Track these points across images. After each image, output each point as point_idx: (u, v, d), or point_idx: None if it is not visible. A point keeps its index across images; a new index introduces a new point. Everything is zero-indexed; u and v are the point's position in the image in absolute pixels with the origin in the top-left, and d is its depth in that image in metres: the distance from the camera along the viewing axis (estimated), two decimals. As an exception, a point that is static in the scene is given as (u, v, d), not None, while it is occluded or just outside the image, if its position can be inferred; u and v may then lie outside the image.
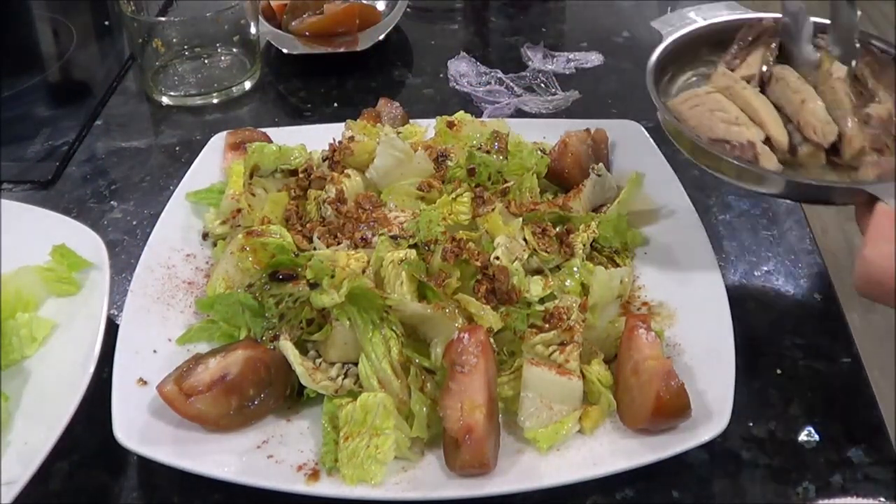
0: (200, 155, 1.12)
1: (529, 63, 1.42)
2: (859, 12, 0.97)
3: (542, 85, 1.37)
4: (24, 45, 1.54)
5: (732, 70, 1.01)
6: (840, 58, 0.98)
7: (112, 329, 0.89)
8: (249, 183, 1.05)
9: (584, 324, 0.87)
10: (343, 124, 1.14)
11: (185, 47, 1.37)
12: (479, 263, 0.89)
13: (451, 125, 1.11)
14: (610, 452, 0.80)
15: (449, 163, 1.03)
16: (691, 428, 0.80)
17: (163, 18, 1.37)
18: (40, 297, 0.95)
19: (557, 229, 0.97)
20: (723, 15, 1.07)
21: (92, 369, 0.84)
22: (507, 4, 1.60)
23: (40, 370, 0.89)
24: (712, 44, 1.05)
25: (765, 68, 1.00)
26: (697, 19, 1.06)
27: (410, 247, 0.92)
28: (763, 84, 1.00)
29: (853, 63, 0.98)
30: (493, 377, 0.82)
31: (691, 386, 0.81)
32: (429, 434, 0.81)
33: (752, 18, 1.04)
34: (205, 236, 1.03)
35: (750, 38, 1.03)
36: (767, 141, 0.93)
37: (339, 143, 1.07)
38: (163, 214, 1.04)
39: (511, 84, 1.37)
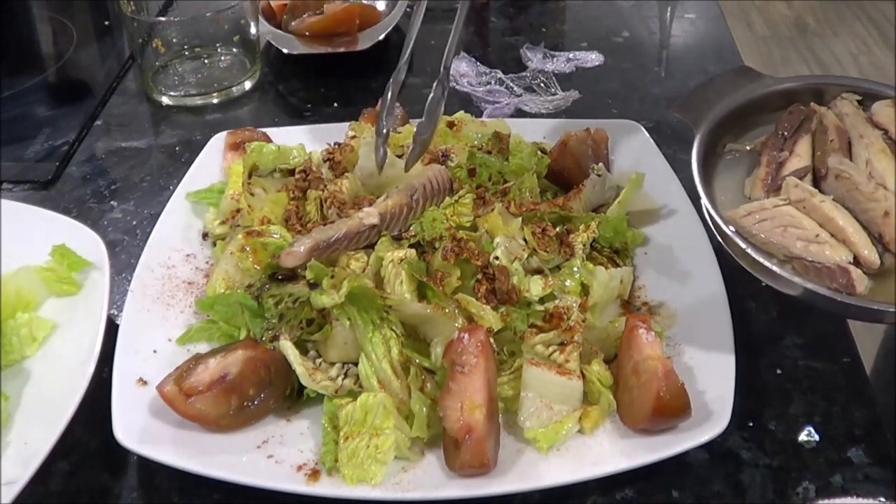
0: (200, 155, 1.12)
1: (529, 63, 1.42)
2: None
3: (542, 85, 1.37)
4: (24, 45, 1.54)
5: (781, 164, 0.93)
6: None
7: (112, 329, 0.89)
8: (248, 182, 1.05)
9: (584, 324, 0.87)
10: (342, 124, 1.14)
11: (185, 47, 1.37)
12: (479, 263, 0.89)
13: (451, 125, 1.11)
14: (610, 452, 0.80)
15: (450, 163, 1.03)
16: (691, 428, 0.80)
17: (163, 18, 1.37)
18: (40, 297, 0.95)
19: (557, 229, 0.97)
20: (745, 88, 0.99)
21: (92, 369, 0.84)
22: (507, 4, 1.60)
23: (40, 370, 0.89)
24: (743, 123, 0.99)
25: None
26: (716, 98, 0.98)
27: (411, 246, 0.92)
28: (817, 179, 0.92)
29: None
30: (493, 377, 0.82)
31: (691, 386, 0.82)
32: (429, 434, 0.81)
33: (780, 90, 0.98)
34: (205, 236, 1.03)
35: (793, 127, 0.95)
36: (855, 261, 0.84)
37: (338, 144, 1.07)
38: (163, 214, 1.04)
39: (511, 84, 1.37)
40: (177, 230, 1.03)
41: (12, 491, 0.75)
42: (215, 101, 1.36)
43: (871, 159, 0.91)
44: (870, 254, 0.85)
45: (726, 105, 0.98)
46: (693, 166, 0.91)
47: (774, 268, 0.83)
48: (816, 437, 0.85)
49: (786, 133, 0.96)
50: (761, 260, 0.84)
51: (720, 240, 0.90)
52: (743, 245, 0.85)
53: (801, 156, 0.93)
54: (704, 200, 0.89)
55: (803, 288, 0.82)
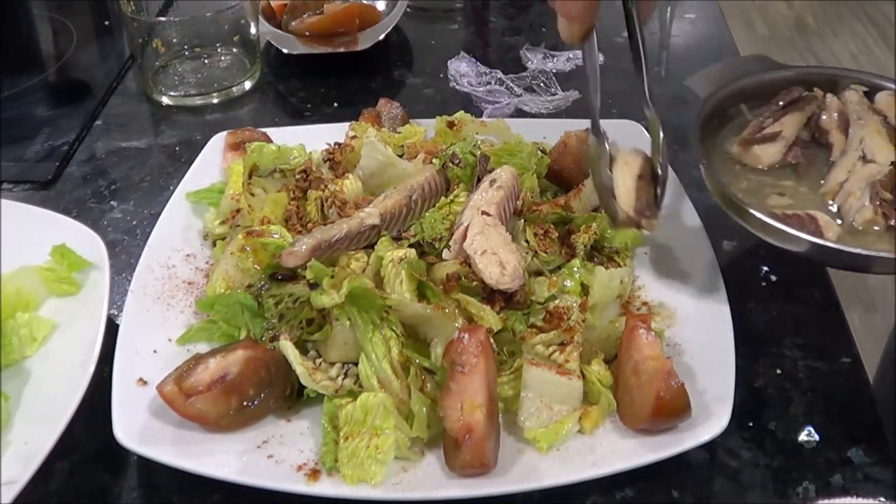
0: (200, 155, 1.12)
1: (529, 63, 1.42)
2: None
3: (542, 85, 1.37)
4: (24, 45, 1.54)
5: (763, 128, 1.01)
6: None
7: (112, 329, 0.89)
8: (248, 183, 1.05)
9: (584, 324, 0.87)
10: (342, 124, 1.14)
11: (185, 47, 1.38)
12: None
13: (451, 125, 1.12)
14: (610, 452, 0.80)
15: (450, 164, 1.03)
16: (691, 428, 0.80)
17: (163, 18, 1.37)
18: (40, 297, 0.95)
19: (559, 230, 0.97)
20: (757, 72, 1.06)
21: (92, 369, 0.84)
22: (507, 4, 1.60)
23: (40, 370, 0.89)
24: (753, 103, 1.06)
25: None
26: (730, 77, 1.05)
27: (410, 246, 0.92)
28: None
29: None
30: (493, 377, 0.82)
31: (691, 386, 0.82)
32: (429, 434, 0.81)
33: (793, 77, 1.05)
34: (205, 236, 1.03)
35: (786, 101, 1.03)
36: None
37: (338, 145, 1.07)
38: (163, 214, 1.04)
39: (511, 84, 1.37)
40: (177, 230, 1.03)
41: (12, 491, 0.75)
42: (215, 101, 1.36)
43: (864, 137, 0.99)
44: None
45: (739, 83, 1.05)
46: (695, 125, 0.98)
47: (766, 218, 0.87)
48: (816, 437, 0.85)
49: (779, 105, 1.03)
50: (754, 212, 0.89)
51: (714, 195, 0.95)
52: (738, 195, 0.90)
53: (783, 124, 1.01)
54: (699, 155, 0.95)
55: (793, 235, 0.86)
